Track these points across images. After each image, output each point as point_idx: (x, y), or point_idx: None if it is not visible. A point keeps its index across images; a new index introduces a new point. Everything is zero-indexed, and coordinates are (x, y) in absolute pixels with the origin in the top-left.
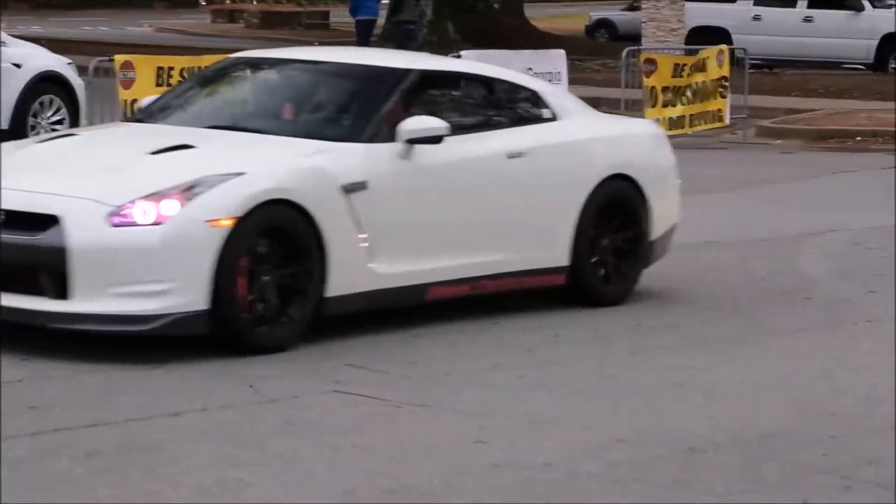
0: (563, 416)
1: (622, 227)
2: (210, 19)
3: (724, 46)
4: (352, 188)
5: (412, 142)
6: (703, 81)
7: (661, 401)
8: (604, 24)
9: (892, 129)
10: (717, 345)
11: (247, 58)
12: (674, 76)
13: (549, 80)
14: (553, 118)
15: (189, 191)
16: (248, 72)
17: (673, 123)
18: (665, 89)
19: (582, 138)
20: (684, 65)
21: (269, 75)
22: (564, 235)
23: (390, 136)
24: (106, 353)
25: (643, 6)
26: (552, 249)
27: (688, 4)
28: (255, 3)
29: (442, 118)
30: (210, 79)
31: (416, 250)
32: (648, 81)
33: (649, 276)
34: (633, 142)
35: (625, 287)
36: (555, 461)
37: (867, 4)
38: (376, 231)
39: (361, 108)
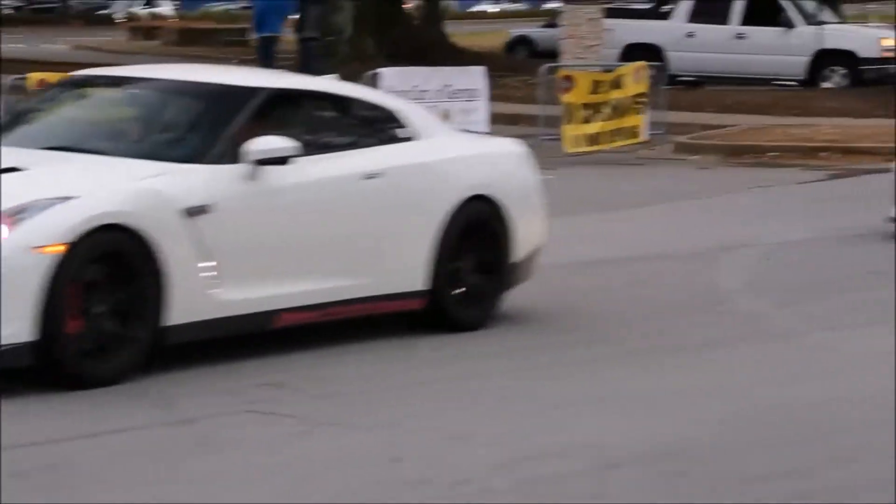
0: (480, 431)
1: (483, 249)
2: (127, 37)
3: (642, 63)
4: (194, 211)
5: (260, 163)
6: (621, 98)
7: (578, 415)
8: (523, 41)
9: (808, 144)
10: (632, 359)
11: (89, 76)
12: (592, 93)
13: (468, 98)
14: (412, 138)
15: (15, 216)
16: (89, 90)
17: (590, 139)
18: (584, 105)
19: (441, 158)
20: (602, 81)
21: (113, 94)
22: (422, 259)
23: (238, 158)
24: (16, 376)
25: (561, 23)
26: (409, 273)
27: (620, 22)
28: (174, 20)
29: (295, 138)
30: (50, 97)
31: (264, 276)
32: (566, 98)
33: (564, 292)
34: (494, 161)
35: (485, 310)
36: (471, 477)
37: (799, 21)
38: (222, 256)
39: (207, 128)
